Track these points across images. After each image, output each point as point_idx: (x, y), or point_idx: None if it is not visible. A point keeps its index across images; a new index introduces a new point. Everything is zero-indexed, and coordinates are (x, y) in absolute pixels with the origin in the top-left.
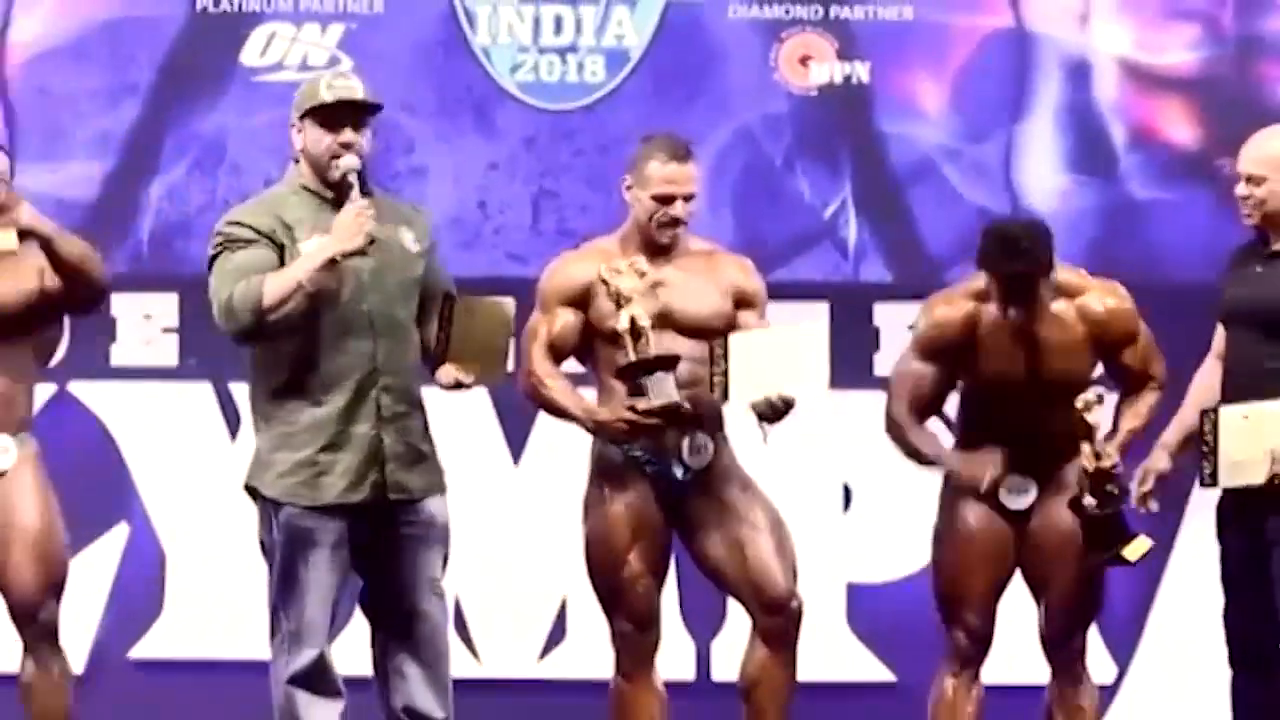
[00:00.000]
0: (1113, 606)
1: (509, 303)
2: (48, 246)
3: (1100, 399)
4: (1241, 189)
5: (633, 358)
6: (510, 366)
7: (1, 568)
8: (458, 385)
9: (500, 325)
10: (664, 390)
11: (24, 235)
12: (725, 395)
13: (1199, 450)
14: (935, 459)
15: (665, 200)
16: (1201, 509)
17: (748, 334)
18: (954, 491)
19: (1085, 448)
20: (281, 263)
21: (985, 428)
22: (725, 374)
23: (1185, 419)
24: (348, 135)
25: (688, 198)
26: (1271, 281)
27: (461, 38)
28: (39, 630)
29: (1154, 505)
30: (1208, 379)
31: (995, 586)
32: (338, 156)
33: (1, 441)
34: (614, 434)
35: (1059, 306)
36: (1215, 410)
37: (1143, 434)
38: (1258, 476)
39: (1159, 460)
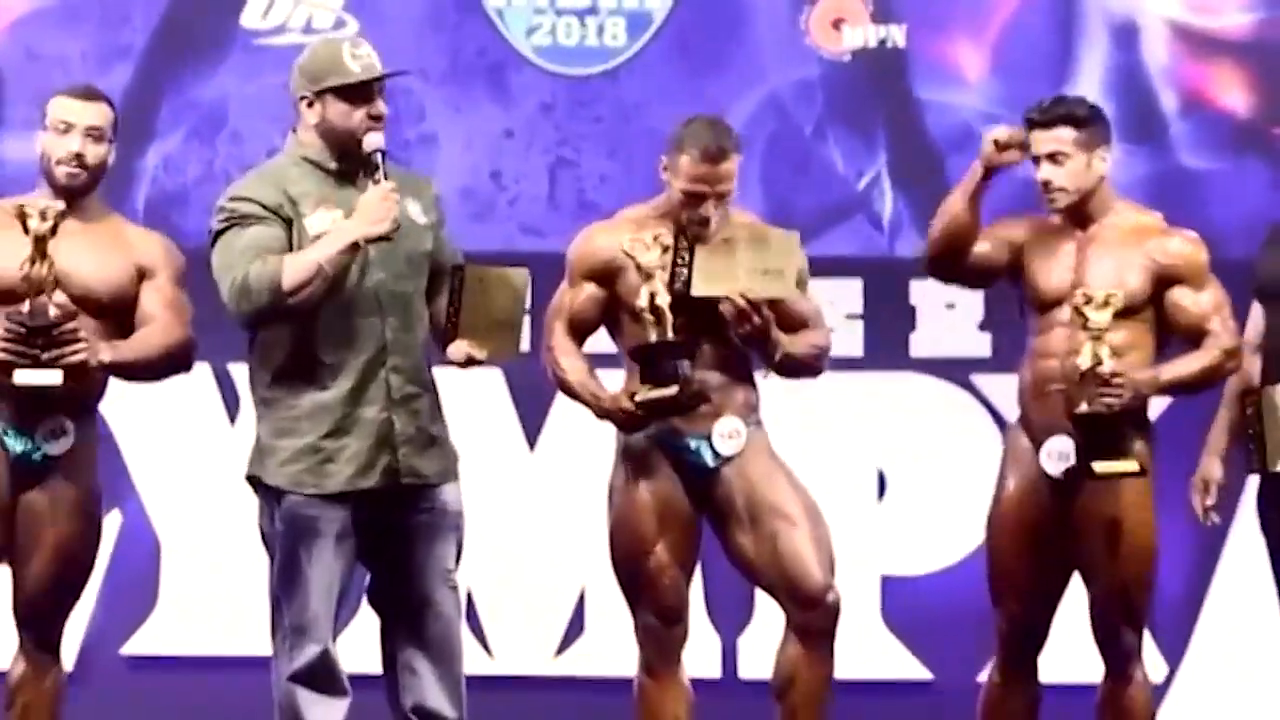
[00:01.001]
0: (1163, 602)
1: (522, 273)
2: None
3: (1108, 300)
4: None
5: (651, 338)
6: (525, 342)
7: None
8: (470, 361)
9: (513, 297)
10: (678, 376)
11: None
12: (686, 287)
13: (1245, 436)
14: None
15: (696, 198)
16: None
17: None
18: (1006, 461)
19: (1087, 346)
20: (290, 239)
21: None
22: (689, 266)
23: (1225, 417)
24: (379, 107)
25: (721, 196)
26: None
27: None
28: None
29: (1216, 518)
30: (1243, 371)
31: (1042, 570)
32: (370, 129)
33: (64, 424)
34: (615, 422)
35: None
36: (1259, 392)
37: (1184, 389)
38: None
39: (1212, 468)
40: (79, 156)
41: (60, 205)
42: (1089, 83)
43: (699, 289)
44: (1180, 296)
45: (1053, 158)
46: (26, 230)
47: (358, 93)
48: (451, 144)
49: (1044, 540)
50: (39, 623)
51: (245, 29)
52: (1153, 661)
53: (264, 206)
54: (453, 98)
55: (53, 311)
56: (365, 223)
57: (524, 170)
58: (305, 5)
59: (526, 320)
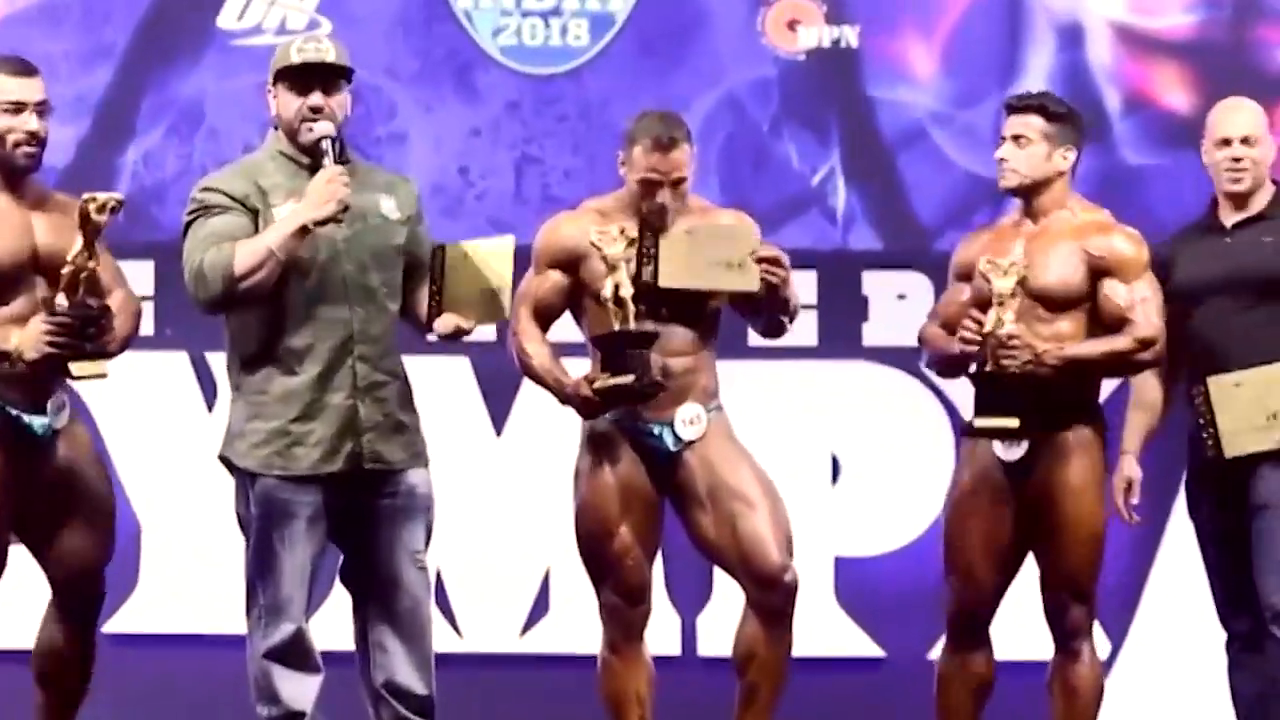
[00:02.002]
0: (1107, 581)
1: (507, 241)
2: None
3: (1013, 265)
4: (1237, 150)
5: (615, 328)
6: (506, 308)
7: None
8: (459, 332)
9: (496, 265)
10: (637, 366)
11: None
12: (653, 279)
13: (1198, 425)
14: None
15: (651, 186)
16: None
17: (678, 229)
18: (962, 446)
19: (991, 311)
20: (256, 229)
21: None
22: (655, 259)
23: (1136, 419)
24: (316, 99)
25: (676, 183)
26: (1249, 248)
27: (443, 1)
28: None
29: (1136, 517)
30: (1147, 376)
31: (995, 551)
32: (308, 120)
33: (63, 396)
34: (575, 407)
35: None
36: (1204, 384)
37: (1091, 367)
38: (1264, 443)
39: (1129, 468)
40: (34, 135)
41: (120, 196)
42: (1035, 82)
43: (666, 280)
44: (1109, 288)
45: (1017, 139)
46: (87, 221)
47: (299, 81)
48: (421, 142)
49: (998, 522)
50: (86, 585)
51: (222, 30)
52: (1098, 639)
53: (230, 197)
54: (423, 97)
55: (93, 302)
56: (311, 206)
57: (491, 166)
58: (279, 7)
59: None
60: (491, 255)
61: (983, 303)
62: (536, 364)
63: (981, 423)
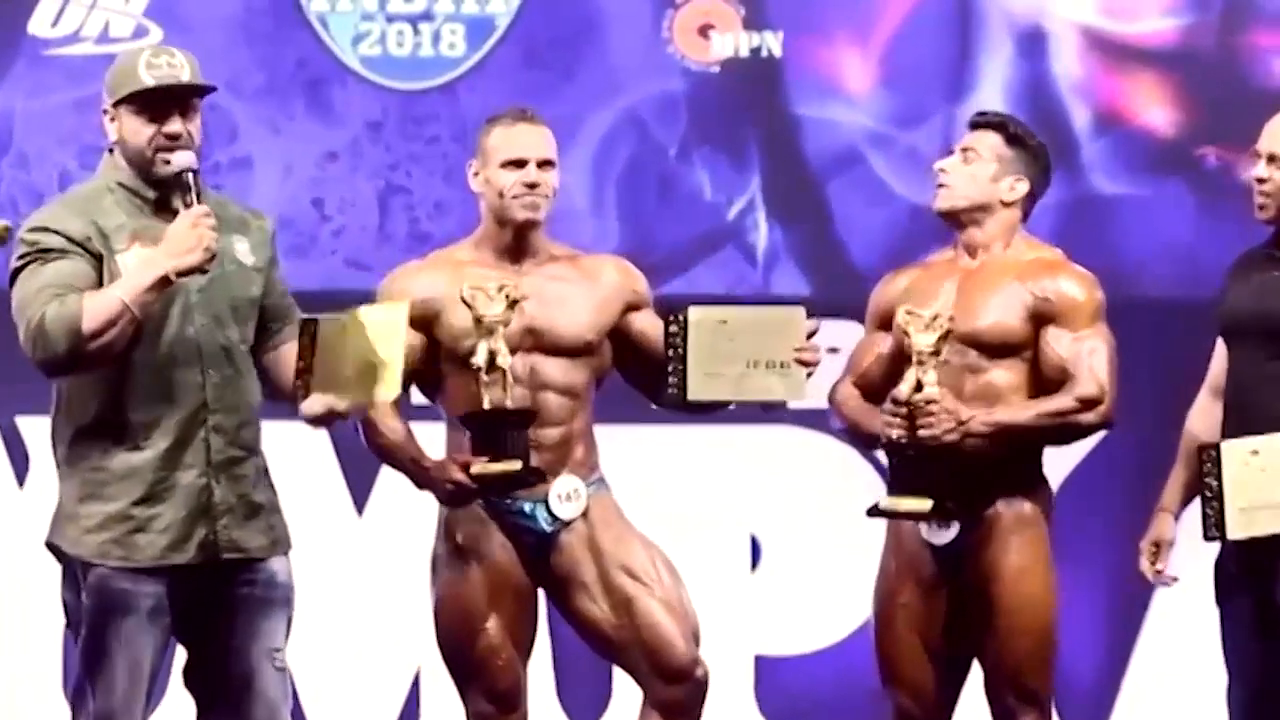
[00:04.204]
0: (1077, 681)
1: (395, 309)
2: None
3: (936, 318)
4: (1261, 170)
5: (485, 403)
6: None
7: None
8: (331, 416)
9: (383, 336)
10: (519, 448)
11: None
12: (682, 392)
13: (1201, 497)
14: None
15: (516, 164)
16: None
17: (710, 312)
18: (889, 529)
19: (910, 371)
20: (99, 276)
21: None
22: (683, 361)
23: (1181, 472)
24: (175, 125)
25: (542, 164)
26: None
27: (293, 3)
28: None
29: (1169, 580)
30: (1203, 420)
31: (932, 651)
32: (163, 150)
33: None
34: (440, 493)
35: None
36: (1216, 447)
37: (1026, 435)
38: (1276, 524)
39: (1164, 528)
40: None
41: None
42: (990, 96)
43: (697, 392)
44: (1053, 337)
45: (965, 152)
46: None
47: (149, 106)
48: (268, 168)
49: (931, 618)
50: None
51: (33, 37)
52: None
53: (69, 239)
54: (268, 115)
55: None
56: (174, 253)
57: (350, 197)
58: (101, 10)
59: None
60: (378, 326)
61: (904, 357)
62: (389, 440)
63: (889, 503)
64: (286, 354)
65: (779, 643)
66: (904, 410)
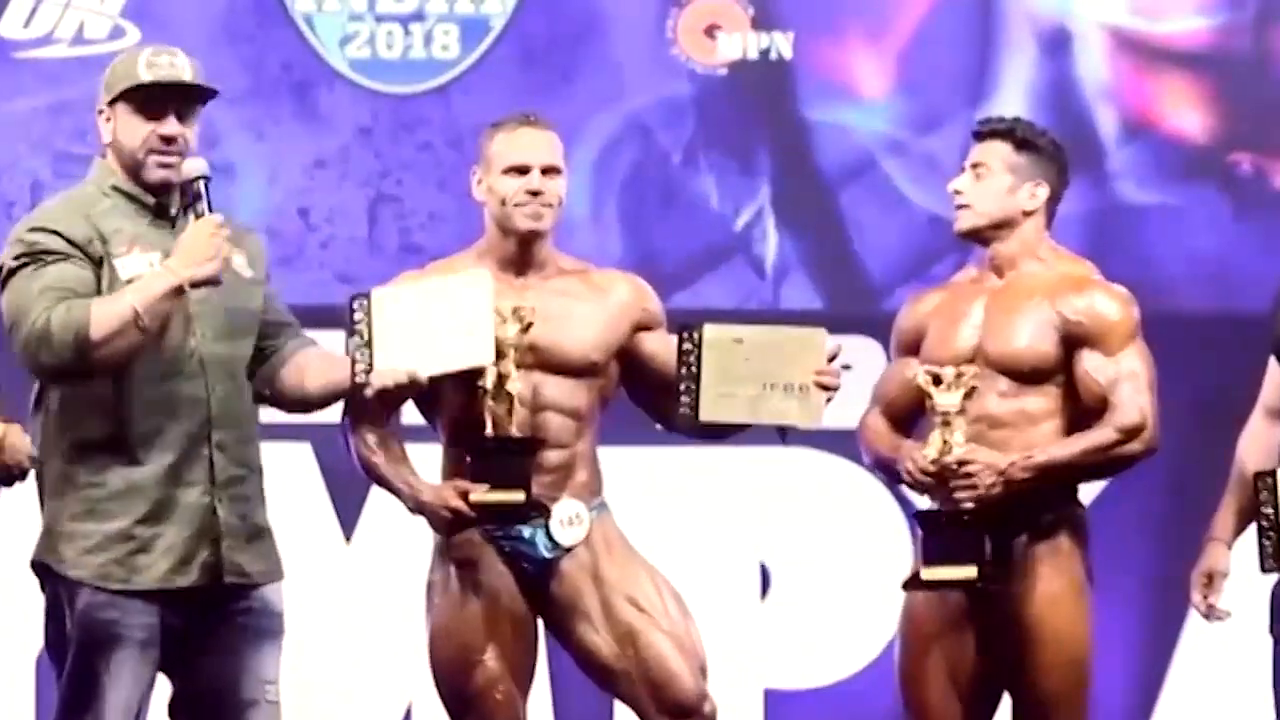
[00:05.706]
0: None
1: (481, 277)
2: None
3: (959, 376)
4: None
5: (488, 428)
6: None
7: None
8: (413, 385)
9: (472, 304)
10: (522, 478)
11: None
12: (695, 412)
13: (1258, 526)
14: None
15: (519, 171)
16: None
17: (725, 330)
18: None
19: (935, 433)
20: (98, 284)
21: None
22: (697, 380)
23: (1234, 500)
24: (171, 126)
25: (547, 170)
26: None
27: (277, 2)
28: None
29: (1222, 615)
30: (1257, 445)
31: (957, 687)
32: (155, 152)
33: None
34: (435, 520)
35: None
36: (1273, 474)
37: (1070, 472)
38: None
39: (1218, 559)
40: None
41: None
42: (1012, 100)
43: (709, 413)
44: (1089, 361)
45: (975, 168)
46: None
47: (146, 104)
48: (252, 176)
49: (960, 652)
50: None
51: (4, 39)
52: None
53: (70, 241)
54: (253, 120)
55: None
56: (189, 262)
57: (338, 207)
58: (75, 11)
59: None
60: (463, 294)
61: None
62: (382, 462)
63: (931, 574)
64: (302, 361)
65: (790, 676)
66: (932, 475)
